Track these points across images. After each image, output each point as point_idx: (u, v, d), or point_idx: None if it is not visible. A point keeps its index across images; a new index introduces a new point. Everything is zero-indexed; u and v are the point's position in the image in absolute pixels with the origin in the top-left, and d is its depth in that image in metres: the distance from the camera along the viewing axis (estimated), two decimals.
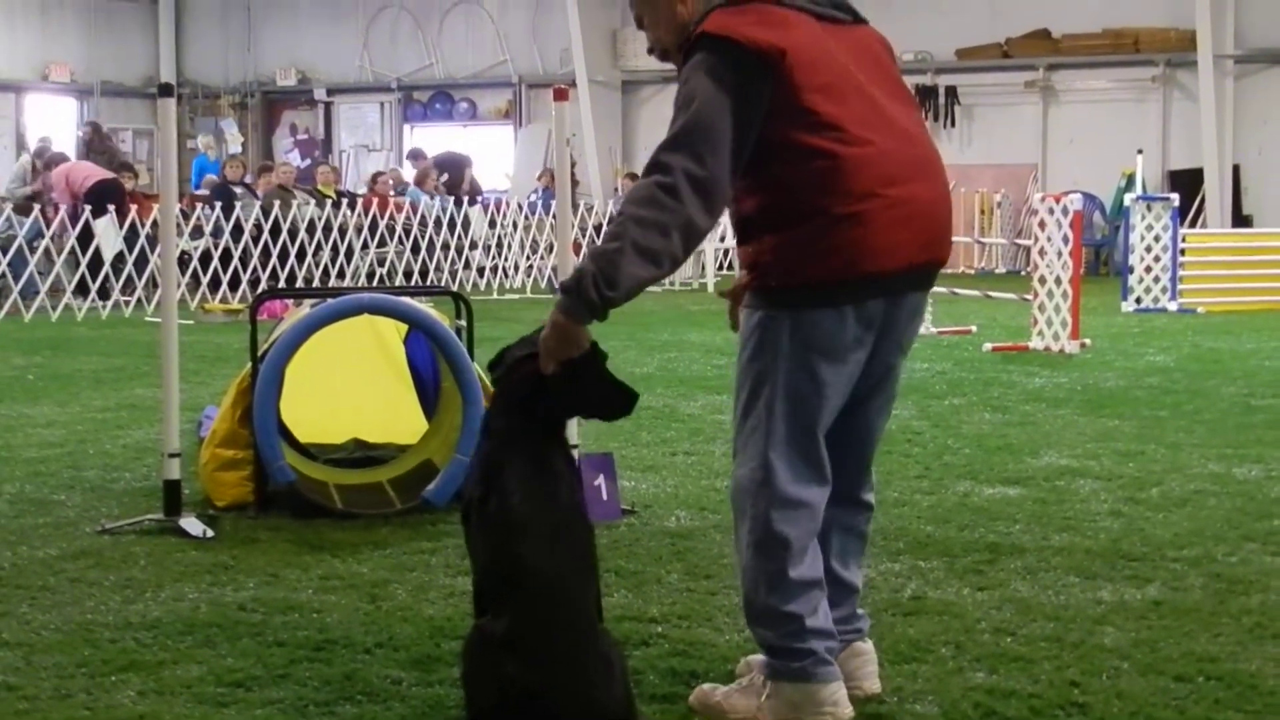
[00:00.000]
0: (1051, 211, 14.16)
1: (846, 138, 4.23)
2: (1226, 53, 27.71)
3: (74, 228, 19.14)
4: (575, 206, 23.84)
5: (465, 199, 24.09)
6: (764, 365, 4.34)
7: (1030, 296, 14.21)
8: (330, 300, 7.40)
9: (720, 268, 23.80)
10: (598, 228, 24.19)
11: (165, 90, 7.36)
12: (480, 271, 23.48)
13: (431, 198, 24.19)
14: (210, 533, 6.66)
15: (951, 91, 30.53)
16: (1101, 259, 27.48)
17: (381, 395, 8.51)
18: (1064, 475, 7.97)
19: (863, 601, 4.80)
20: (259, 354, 7.16)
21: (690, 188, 4.11)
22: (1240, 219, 26.89)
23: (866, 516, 4.67)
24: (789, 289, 4.28)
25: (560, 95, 7.79)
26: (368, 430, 8.37)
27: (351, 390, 8.50)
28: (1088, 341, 13.88)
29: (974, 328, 15.56)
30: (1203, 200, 26.71)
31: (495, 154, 32.83)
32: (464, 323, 7.63)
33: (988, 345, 13.99)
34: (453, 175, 26.43)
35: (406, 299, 7.70)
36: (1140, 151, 20.54)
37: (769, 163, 4.24)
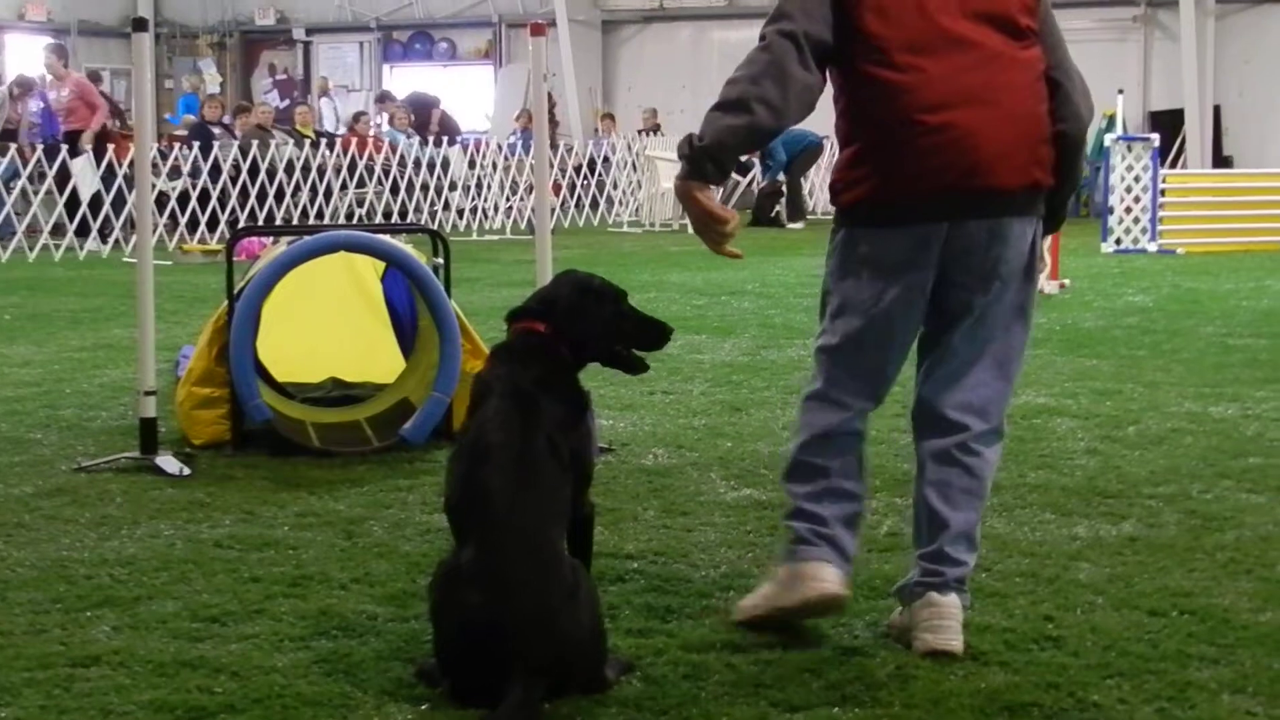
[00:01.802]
0: None
1: (888, 61, 4.35)
2: None
3: (51, 166, 19.01)
4: (555, 147, 23.80)
5: (433, 139, 23.97)
6: (827, 273, 4.59)
7: None
8: (307, 237, 7.37)
9: None
10: (577, 168, 24.16)
11: (139, 25, 7.27)
12: (460, 213, 23.41)
13: (409, 137, 24.12)
14: (187, 470, 6.65)
15: None
16: (1082, 200, 27.43)
17: (359, 334, 8.50)
18: (1041, 414, 7.98)
19: (905, 493, 4.84)
20: (235, 292, 7.14)
21: (780, 40, 4.32)
22: (1221, 160, 26.90)
23: (959, 442, 4.54)
24: (842, 207, 4.52)
25: (537, 31, 7.76)
26: (345, 369, 8.35)
27: (329, 329, 8.48)
28: (1067, 282, 13.89)
29: None
30: (1183, 141, 26.69)
31: (475, 94, 32.71)
32: (441, 261, 7.60)
33: None
34: (419, 115, 26.32)
35: (383, 236, 7.68)
36: (1121, 92, 20.47)
37: (838, 83, 4.49)
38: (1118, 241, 18.53)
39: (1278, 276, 15.17)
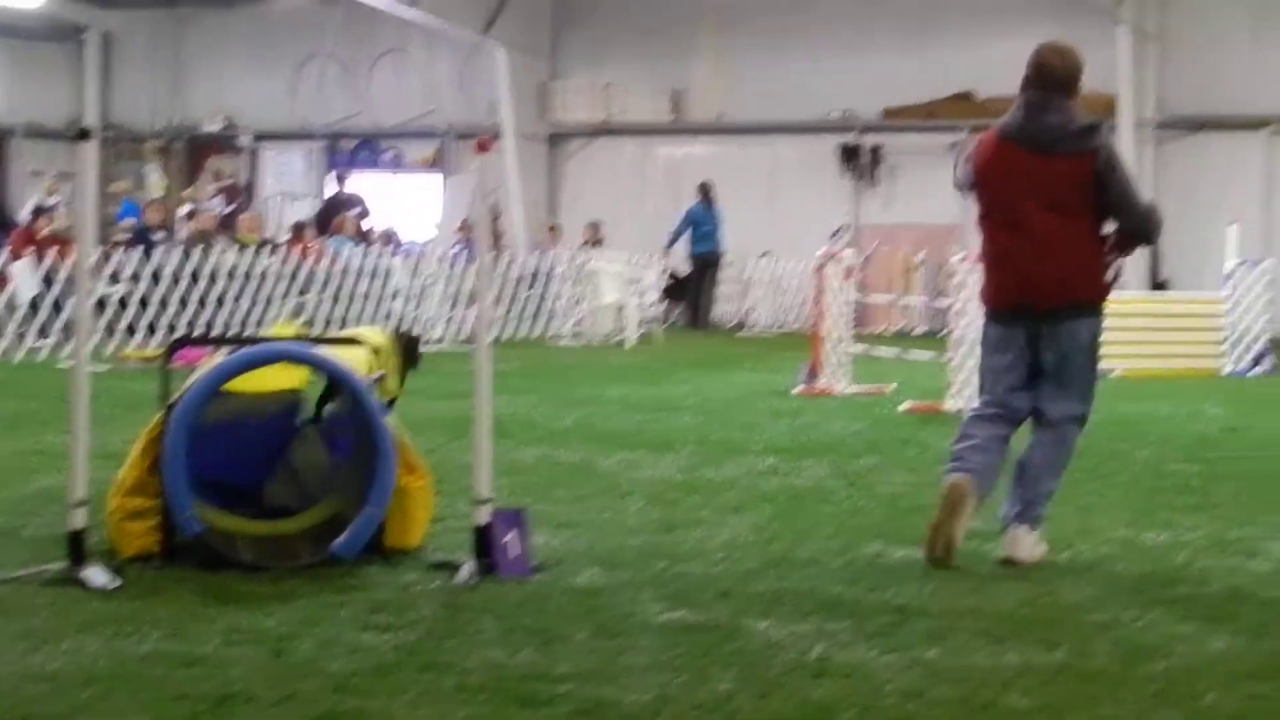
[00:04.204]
0: (969, 273, 14.24)
1: (990, 222, 7.63)
2: (1148, 118, 28.09)
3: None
4: (499, 258, 23.85)
5: (378, 248, 24.05)
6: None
7: (947, 357, 14.30)
8: (246, 348, 7.34)
9: (640, 324, 23.87)
10: (519, 280, 24.20)
11: (83, 134, 7.29)
12: (401, 322, 23.38)
13: (356, 244, 24.13)
14: (116, 582, 6.59)
15: (876, 151, 30.79)
16: None
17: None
18: (975, 537, 7.96)
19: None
20: (170, 402, 7.10)
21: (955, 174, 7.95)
22: (1158, 283, 27.17)
23: (1049, 435, 7.54)
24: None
25: (482, 147, 7.79)
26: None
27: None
28: None
29: (891, 387, 15.63)
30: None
31: (423, 204, 32.80)
32: (383, 374, 7.59)
33: (904, 405, 14.05)
34: (326, 216, 26.47)
35: (322, 349, 7.65)
36: None
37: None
38: None
39: (1213, 401, 15.29)
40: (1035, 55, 7.59)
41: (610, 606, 6.45)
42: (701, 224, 28.45)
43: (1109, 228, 7.61)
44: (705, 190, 28.74)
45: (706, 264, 28.53)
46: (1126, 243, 7.68)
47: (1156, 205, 7.85)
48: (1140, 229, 7.63)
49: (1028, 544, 7.33)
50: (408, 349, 12.52)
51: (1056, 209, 7.40)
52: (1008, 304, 7.55)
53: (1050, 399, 7.52)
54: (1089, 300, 7.58)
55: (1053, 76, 7.50)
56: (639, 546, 7.69)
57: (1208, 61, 28.54)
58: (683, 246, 28.58)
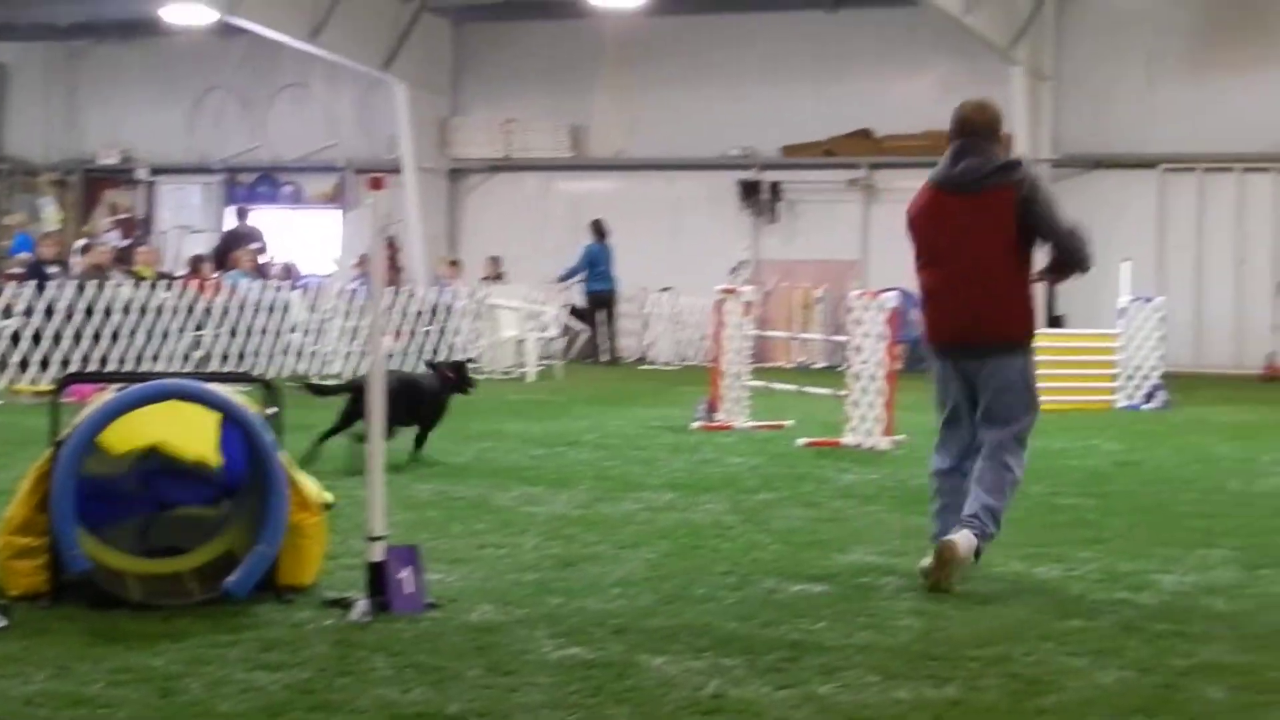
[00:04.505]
0: (867, 308, 14.34)
1: (920, 264, 8.07)
2: (1044, 157, 28.42)
3: None
4: (397, 293, 23.76)
5: (276, 282, 23.92)
6: None
7: (845, 392, 14.36)
8: (137, 385, 7.26)
9: (541, 358, 23.85)
10: (419, 314, 24.11)
11: None
12: (299, 356, 23.24)
13: (253, 280, 23.95)
14: (2, 623, 6.49)
15: (776, 188, 30.97)
16: (922, 356, 27.88)
17: (187, 420, 8.02)
18: (870, 572, 8.03)
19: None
20: (59, 439, 7.01)
21: None
22: (1053, 319, 27.45)
23: (988, 461, 7.85)
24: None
25: (376, 184, 7.75)
26: (167, 439, 7.85)
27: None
28: (902, 438, 14.03)
29: (789, 422, 15.68)
30: None
31: (323, 238, 32.66)
32: (276, 410, 7.53)
33: (801, 440, 14.10)
34: (224, 249, 26.35)
35: (214, 386, 7.57)
36: None
37: None
38: None
39: (1106, 436, 15.47)
40: (957, 110, 8.08)
41: (504, 644, 6.42)
42: (598, 263, 28.48)
43: (1041, 260, 8.01)
44: (599, 228, 28.76)
45: (603, 301, 28.61)
46: (1059, 267, 7.97)
47: (1082, 226, 8.03)
48: (1071, 252, 7.90)
49: (964, 544, 7.62)
50: (459, 375, 12.70)
51: (984, 249, 7.81)
52: (942, 341, 8.00)
53: (987, 428, 7.92)
54: (1017, 338, 7.94)
55: (972, 126, 7.98)
56: (534, 583, 7.67)
57: (1102, 102, 29.00)
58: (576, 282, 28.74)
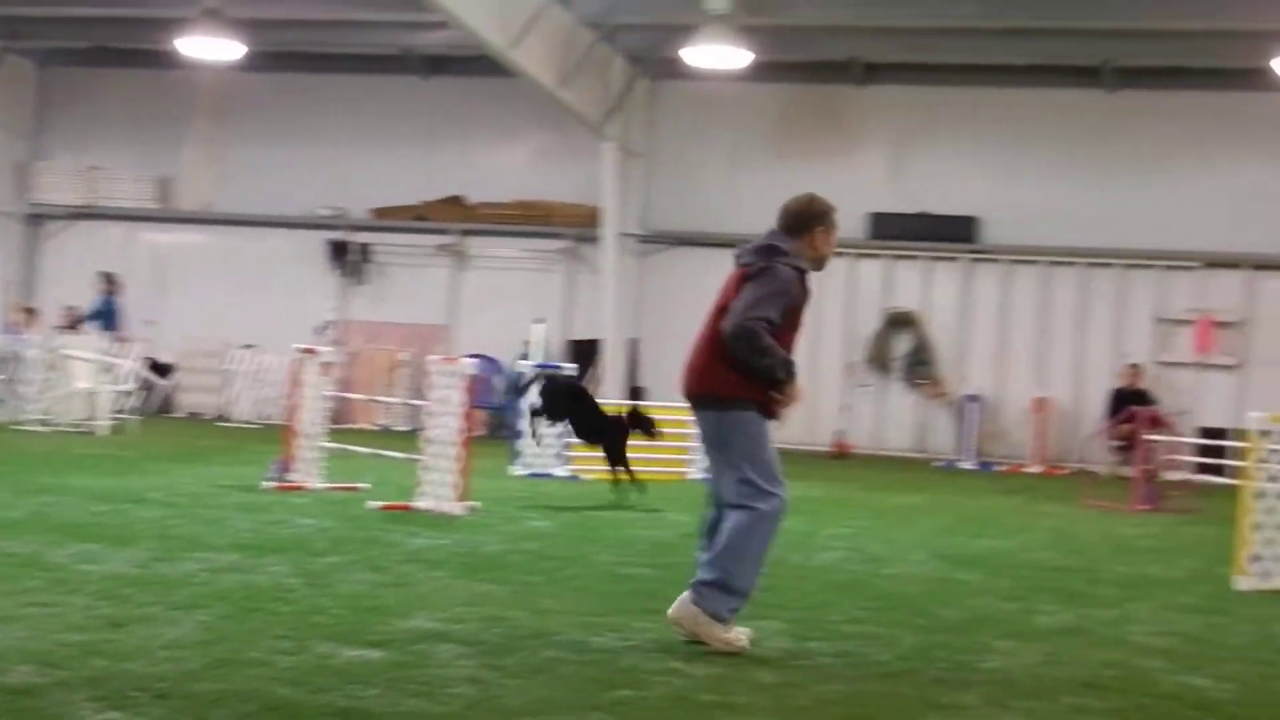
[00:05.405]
0: (443, 373, 14.36)
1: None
2: (631, 232, 29.02)
3: None
4: None
5: None
6: None
7: (420, 456, 14.34)
8: None
9: (115, 411, 23.19)
10: None
11: None
12: None
13: None
14: None
15: (366, 249, 30.86)
16: (504, 422, 28.06)
17: None
18: (428, 639, 8.00)
19: None
20: None
21: None
22: (634, 391, 27.97)
23: (725, 519, 8.32)
24: None
25: None
26: None
27: None
28: (475, 504, 14.08)
29: (364, 485, 15.57)
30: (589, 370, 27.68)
31: None
32: None
33: (374, 503, 14.01)
34: None
35: None
36: (540, 320, 21.14)
37: None
38: (528, 465, 18.94)
39: (676, 507, 15.77)
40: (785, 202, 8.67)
41: (41, 708, 6.18)
42: (117, 315, 27.04)
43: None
44: (109, 280, 27.42)
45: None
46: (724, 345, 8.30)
47: (752, 327, 8.14)
48: (727, 333, 8.21)
49: (685, 609, 8.29)
50: (642, 422, 16.03)
51: (718, 314, 8.37)
52: (683, 389, 8.57)
53: (716, 480, 8.51)
54: (715, 394, 8.34)
55: (783, 216, 8.62)
56: (80, 644, 7.41)
57: (688, 182, 29.83)
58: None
